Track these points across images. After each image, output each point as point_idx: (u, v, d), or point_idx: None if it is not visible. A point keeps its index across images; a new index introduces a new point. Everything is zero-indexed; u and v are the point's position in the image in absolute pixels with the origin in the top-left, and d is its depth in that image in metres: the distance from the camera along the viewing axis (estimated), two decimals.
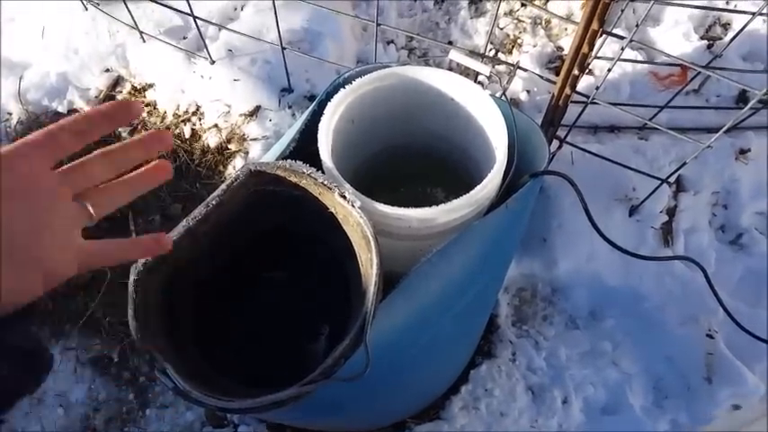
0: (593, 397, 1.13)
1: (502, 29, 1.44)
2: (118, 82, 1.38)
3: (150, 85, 1.36)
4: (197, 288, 0.67)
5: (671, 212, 1.24)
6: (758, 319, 1.15)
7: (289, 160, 0.61)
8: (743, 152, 1.28)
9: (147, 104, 1.35)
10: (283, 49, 1.17)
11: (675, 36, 1.36)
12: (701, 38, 1.38)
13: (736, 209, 1.26)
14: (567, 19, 1.29)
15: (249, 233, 0.69)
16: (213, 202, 0.60)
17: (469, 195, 0.62)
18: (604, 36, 0.85)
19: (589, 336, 1.18)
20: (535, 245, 1.21)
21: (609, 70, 0.95)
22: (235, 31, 1.25)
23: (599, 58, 0.97)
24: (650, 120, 1.04)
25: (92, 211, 0.43)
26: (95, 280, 1.22)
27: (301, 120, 0.71)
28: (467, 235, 0.64)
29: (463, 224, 0.66)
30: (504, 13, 1.45)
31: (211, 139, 1.30)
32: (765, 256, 1.23)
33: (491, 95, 0.69)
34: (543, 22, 1.44)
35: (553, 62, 1.39)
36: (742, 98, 1.34)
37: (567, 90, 0.95)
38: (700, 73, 1.17)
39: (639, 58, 1.34)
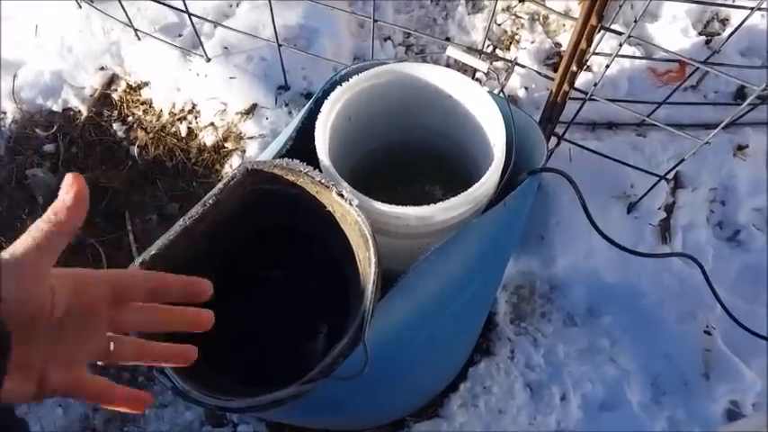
0: (591, 393, 1.14)
1: (499, 25, 1.44)
2: (113, 80, 1.37)
3: (145, 84, 1.35)
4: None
5: (669, 209, 1.24)
6: (756, 315, 1.15)
7: (286, 159, 0.61)
8: (741, 148, 1.28)
9: (143, 103, 1.35)
10: (279, 46, 1.17)
11: (673, 32, 1.36)
12: (700, 33, 1.38)
13: (734, 205, 1.26)
14: (565, 15, 1.29)
15: (246, 232, 0.69)
16: (210, 201, 0.60)
17: (467, 193, 0.62)
18: (603, 32, 0.84)
19: (587, 333, 1.18)
20: (533, 242, 1.21)
21: (607, 66, 0.95)
22: (230, 29, 1.25)
23: (597, 54, 0.97)
24: (648, 116, 1.04)
25: (111, 351, 0.44)
26: None
27: (298, 118, 0.70)
28: (465, 233, 0.63)
29: (461, 222, 0.66)
30: (502, 10, 1.44)
31: (208, 138, 1.29)
32: (763, 252, 1.23)
33: (489, 92, 0.69)
34: (541, 19, 1.44)
35: (551, 58, 1.39)
36: (740, 94, 1.34)
37: (566, 86, 0.94)
38: (698, 69, 1.17)
39: (637, 53, 1.33)
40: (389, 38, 1.42)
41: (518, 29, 1.43)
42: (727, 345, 1.15)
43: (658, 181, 1.11)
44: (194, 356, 0.48)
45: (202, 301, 0.46)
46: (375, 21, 1.02)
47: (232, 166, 1.27)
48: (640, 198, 1.19)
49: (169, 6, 1.23)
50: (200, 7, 1.29)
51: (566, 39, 1.39)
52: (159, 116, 1.33)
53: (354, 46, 1.38)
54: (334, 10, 1.18)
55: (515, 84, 1.33)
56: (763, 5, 0.89)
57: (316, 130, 0.65)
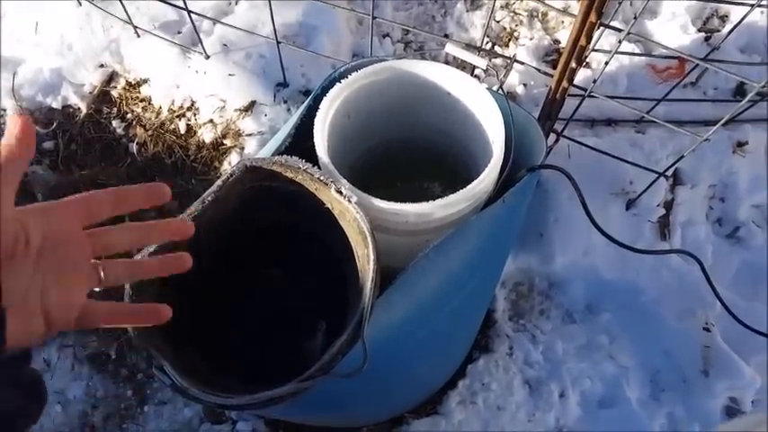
0: (589, 390, 1.14)
1: (498, 22, 1.43)
2: (112, 77, 1.37)
3: (145, 81, 1.35)
4: (194, 285, 0.67)
5: (668, 206, 1.24)
6: (755, 312, 1.15)
7: (284, 156, 0.61)
8: (740, 145, 1.28)
9: (142, 100, 1.35)
10: (278, 43, 1.17)
11: (673, 28, 1.36)
12: (699, 30, 1.38)
13: (734, 202, 1.26)
14: (565, 11, 1.29)
15: (245, 230, 0.69)
16: (209, 198, 0.60)
17: (466, 190, 0.62)
18: (602, 28, 0.84)
19: (586, 329, 1.18)
20: (532, 239, 1.21)
21: (606, 63, 0.94)
22: (230, 26, 1.24)
23: (596, 50, 0.96)
24: (647, 113, 1.04)
25: (102, 276, 0.45)
26: None
27: (297, 115, 0.70)
28: (464, 230, 0.63)
29: (460, 219, 0.66)
30: (501, 6, 1.44)
31: (206, 135, 1.29)
32: (762, 249, 1.24)
33: (488, 89, 0.69)
34: (540, 15, 1.43)
35: (550, 55, 1.39)
36: (739, 91, 1.34)
37: (565, 83, 0.94)
38: (697, 65, 1.17)
39: (637, 50, 1.33)
40: (388, 35, 1.42)
41: (517, 26, 1.43)
42: (726, 341, 1.15)
43: (657, 178, 1.11)
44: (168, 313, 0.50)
45: (165, 201, 0.48)
46: (374, 18, 1.02)
47: (231, 163, 1.27)
48: (639, 195, 1.19)
49: (168, 4, 1.23)
50: (199, 5, 1.29)
51: (565, 35, 1.39)
52: (158, 113, 1.33)
53: (353, 43, 1.38)
54: (333, 7, 1.17)
55: (514, 81, 1.33)
56: (763, 2, 0.89)
57: (314, 127, 0.65)
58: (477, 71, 1.29)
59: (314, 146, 0.64)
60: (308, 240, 0.71)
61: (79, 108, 1.35)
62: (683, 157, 1.05)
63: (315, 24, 1.30)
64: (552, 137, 1.14)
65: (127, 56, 1.35)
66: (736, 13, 1.39)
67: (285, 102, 1.27)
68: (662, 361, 1.16)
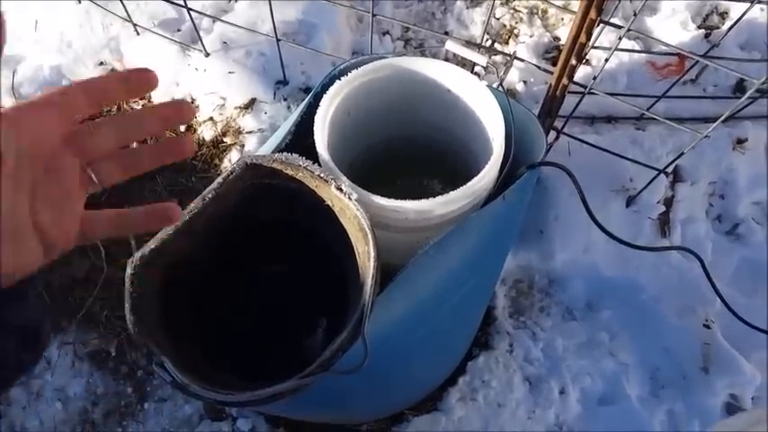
0: (590, 387, 1.14)
1: (498, 19, 1.43)
2: None
3: None
4: (194, 282, 0.67)
5: (668, 203, 1.24)
6: (755, 308, 1.15)
7: (285, 153, 0.61)
8: (740, 142, 1.28)
9: (142, 98, 1.35)
10: (278, 40, 1.16)
11: (673, 25, 1.36)
12: (699, 27, 1.38)
13: (733, 199, 1.26)
14: (564, 8, 1.28)
15: (246, 227, 0.69)
16: (209, 196, 0.60)
17: (467, 187, 0.62)
18: (602, 25, 0.84)
19: (586, 327, 1.18)
20: (532, 236, 1.21)
21: (606, 60, 0.94)
22: (229, 23, 1.24)
23: (596, 47, 0.97)
24: (647, 110, 1.04)
25: (95, 179, 0.39)
26: (92, 273, 1.21)
27: (297, 112, 0.70)
28: (464, 227, 0.63)
29: (460, 216, 0.66)
30: (501, 3, 1.44)
31: (207, 133, 1.29)
32: (762, 245, 1.24)
33: (488, 86, 0.69)
34: (540, 12, 1.43)
35: (550, 52, 1.39)
36: (739, 87, 1.34)
37: (565, 80, 0.94)
38: (697, 62, 1.17)
39: (637, 47, 1.33)
40: (388, 32, 1.42)
41: (517, 23, 1.43)
42: (726, 338, 1.15)
43: (657, 175, 1.11)
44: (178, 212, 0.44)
45: (151, 87, 0.40)
46: (374, 15, 1.02)
47: (231, 160, 1.27)
48: (639, 192, 1.19)
49: (168, 1, 1.23)
50: (198, 3, 1.29)
51: (564, 32, 1.39)
52: None
53: (353, 40, 1.38)
54: (334, 5, 1.17)
55: (514, 78, 1.33)
56: None
57: (315, 124, 0.65)
58: (477, 68, 1.28)
59: (314, 143, 0.64)
60: (308, 237, 0.71)
61: None
62: (682, 154, 1.05)
63: (315, 22, 1.30)
64: (552, 134, 1.14)
65: (126, 53, 1.35)
66: (735, 9, 1.39)
67: (285, 99, 1.27)
68: (662, 358, 1.16)
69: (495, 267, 0.90)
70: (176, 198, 1.28)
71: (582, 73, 1.31)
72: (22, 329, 0.34)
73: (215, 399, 0.54)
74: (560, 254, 1.20)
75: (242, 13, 1.32)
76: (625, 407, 1.11)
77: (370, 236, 0.57)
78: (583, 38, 0.85)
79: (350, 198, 0.58)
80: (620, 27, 0.87)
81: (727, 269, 1.22)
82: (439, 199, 0.61)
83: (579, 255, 1.20)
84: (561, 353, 1.16)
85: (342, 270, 0.68)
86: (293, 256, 0.76)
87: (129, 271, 0.57)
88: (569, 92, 0.98)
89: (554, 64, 1.22)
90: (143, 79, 0.39)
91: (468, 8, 1.44)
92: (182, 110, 0.41)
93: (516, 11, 1.44)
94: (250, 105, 1.27)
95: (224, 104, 1.29)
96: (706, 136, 0.95)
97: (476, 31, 1.41)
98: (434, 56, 1.37)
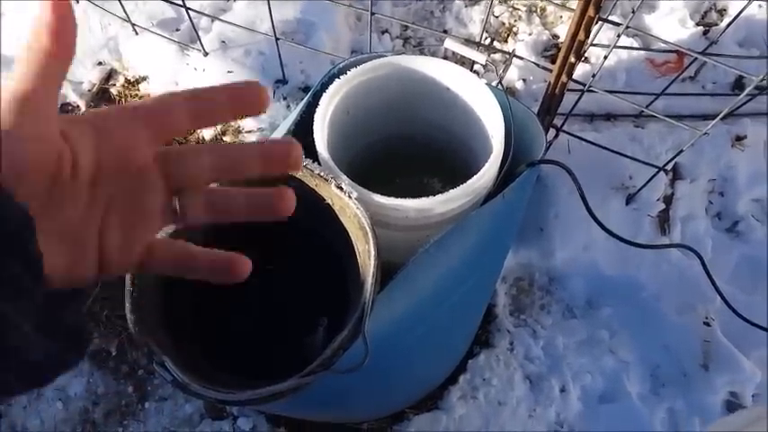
0: (590, 385, 1.14)
1: (497, 17, 1.43)
2: (111, 75, 1.37)
3: (143, 78, 1.35)
4: (194, 281, 0.67)
5: (668, 200, 1.24)
6: (755, 306, 1.15)
7: None
8: (739, 139, 1.28)
9: (141, 98, 1.35)
10: (277, 39, 1.16)
11: (671, 22, 1.36)
12: (697, 24, 1.38)
13: (733, 196, 1.26)
14: (563, 6, 1.28)
15: (245, 226, 0.69)
16: None
17: (466, 185, 0.62)
18: (600, 23, 0.84)
19: (586, 324, 1.18)
20: (532, 234, 1.21)
21: (605, 57, 0.94)
22: (228, 23, 1.24)
23: (595, 45, 0.97)
24: (647, 107, 1.04)
25: (179, 211, 0.34)
26: None
27: (296, 111, 0.70)
28: (464, 225, 0.63)
29: (460, 214, 0.66)
30: (499, 1, 1.44)
31: (206, 132, 1.29)
32: (762, 243, 1.24)
33: (487, 84, 0.69)
34: (538, 10, 1.43)
35: (549, 50, 1.39)
36: (738, 84, 1.34)
37: (564, 78, 0.94)
38: (696, 59, 1.17)
39: (635, 45, 1.33)
40: (387, 31, 1.42)
41: (516, 21, 1.43)
42: (726, 336, 1.15)
43: (657, 172, 1.11)
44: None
45: (262, 110, 0.34)
46: (372, 14, 1.02)
47: None
48: (639, 189, 1.19)
49: (166, 1, 1.23)
50: (197, 2, 1.29)
51: (563, 30, 1.39)
52: None
53: (352, 39, 1.38)
54: (332, 3, 1.17)
55: (513, 76, 1.33)
56: None
57: (314, 123, 0.65)
58: (476, 66, 1.28)
59: (313, 142, 0.64)
60: (308, 236, 0.71)
61: (78, 106, 1.35)
62: (682, 151, 1.05)
63: (313, 21, 1.29)
64: (552, 132, 1.14)
65: (125, 53, 1.35)
66: (734, 6, 1.39)
67: (284, 98, 1.27)
68: (662, 355, 1.16)
69: (496, 265, 0.90)
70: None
71: (581, 71, 1.31)
72: (66, 329, 0.30)
73: (215, 398, 0.54)
74: (560, 252, 1.20)
75: (240, 13, 1.32)
76: (626, 404, 1.12)
77: (370, 234, 0.57)
78: (581, 35, 0.85)
79: (350, 197, 0.58)
80: (618, 24, 0.87)
81: (727, 266, 1.22)
82: (439, 197, 0.61)
83: (579, 252, 1.20)
84: (562, 351, 1.16)
85: (342, 269, 0.68)
86: (293, 255, 0.76)
87: None
88: (568, 89, 0.98)
89: (553, 62, 1.22)
90: (254, 98, 0.33)
91: (466, 6, 1.44)
92: (290, 153, 0.34)
93: (515, 9, 1.44)
94: None
95: None
96: (705, 133, 0.95)
97: (474, 29, 1.41)
98: (433, 54, 1.37)
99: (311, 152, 0.64)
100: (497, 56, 1.33)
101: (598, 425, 1.11)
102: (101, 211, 0.31)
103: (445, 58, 1.32)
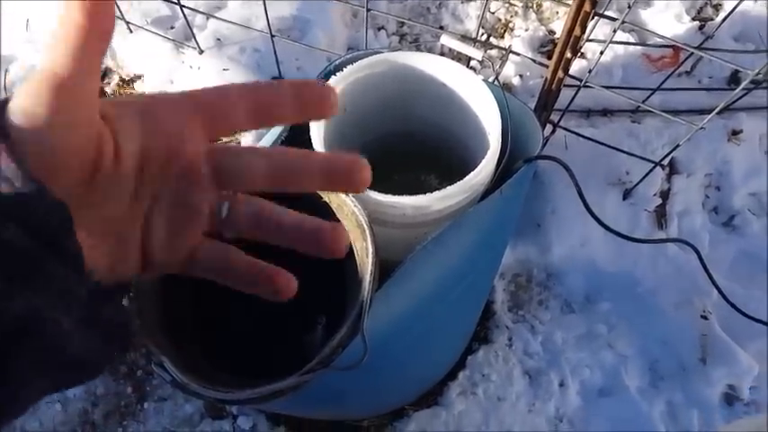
0: (589, 379, 1.14)
1: (493, 13, 1.43)
2: (105, 74, 1.36)
3: (138, 77, 1.34)
4: (194, 281, 0.67)
5: (664, 195, 1.25)
6: (752, 299, 1.15)
7: None
8: (735, 133, 1.28)
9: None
10: (273, 37, 1.16)
11: (667, 17, 1.36)
12: (693, 19, 1.38)
13: (729, 190, 1.26)
14: (559, 1, 1.28)
15: None
16: None
17: (463, 182, 0.62)
18: (596, 18, 0.84)
19: (584, 319, 1.19)
20: (530, 230, 1.22)
21: (601, 53, 0.94)
22: (223, 20, 1.24)
23: (591, 40, 0.96)
24: (643, 102, 1.04)
25: (223, 213, 0.31)
26: None
27: None
28: (462, 222, 0.63)
29: (458, 211, 0.66)
30: None
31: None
32: (759, 236, 1.24)
33: (484, 80, 0.69)
34: (534, 6, 1.43)
35: (545, 46, 1.38)
36: (734, 79, 1.34)
37: (560, 73, 0.94)
38: (692, 54, 1.17)
39: (631, 40, 1.33)
40: (383, 27, 1.41)
41: (512, 17, 1.42)
42: (723, 329, 1.16)
43: (653, 167, 1.11)
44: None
45: (329, 113, 0.31)
46: (368, 10, 1.02)
47: None
48: (636, 184, 1.19)
49: None
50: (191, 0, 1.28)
51: (559, 26, 1.38)
52: None
53: (348, 36, 1.38)
54: (328, 0, 1.17)
55: (510, 72, 1.33)
56: None
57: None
58: (472, 63, 1.28)
59: (310, 140, 0.64)
60: None
61: None
62: (678, 146, 1.05)
63: (309, 18, 1.29)
64: (548, 128, 1.14)
65: (120, 52, 1.34)
66: (729, 1, 1.39)
67: None
68: (660, 349, 1.16)
69: (494, 262, 0.90)
70: None
71: (577, 66, 1.31)
72: (108, 323, 0.28)
73: (215, 397, 0.54)
74: (558, 247, 1.20)
75: (235, 10, 1.31)
76: (624, 398, 1.12)
77: (368, 232, 0.57)
78: (578, 31, 0.85)
79: (347, 194, 0.58)
80: (614, 20, 0.87)
81: (724, 260, 1.23)
82: (436, 194, 0.61)
83: (577, 248, 1.20)
84: (560, 346, 1.16)
85: (340, 267, 0.68)
86: (291, 253, 0.76)
87: None
88: (565, 85, 0.98)
89: (549, 57, 1.22)
90: (322, 100, 0.30)
91: (462, 3, 1.43)
92: (359, 171, 0.32)
93: (511, 5, 1.43)
94: None
95: None
96: (701, 128, 0.95)
97: (471, 25, 1.41)
98: (430, 51, 1.37)
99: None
100: (494, 52, 1.33)
101: (597, 419, 1.11)
102: (145, 207, 0.29)
103: (442, 54, 1.32)
